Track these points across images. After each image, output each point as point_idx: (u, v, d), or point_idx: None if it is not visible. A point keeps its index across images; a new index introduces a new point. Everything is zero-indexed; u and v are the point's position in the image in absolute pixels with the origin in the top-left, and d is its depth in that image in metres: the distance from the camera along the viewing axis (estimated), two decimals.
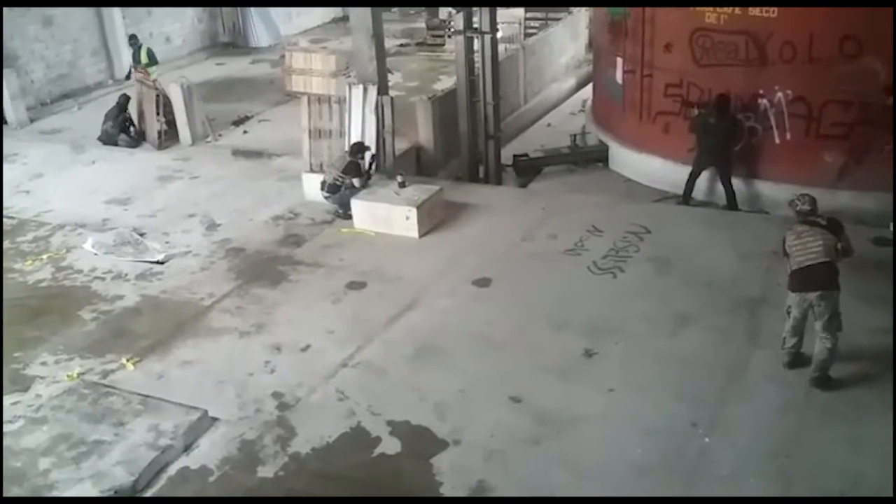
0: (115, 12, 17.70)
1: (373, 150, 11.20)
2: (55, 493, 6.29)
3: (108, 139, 14.06)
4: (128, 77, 16.17)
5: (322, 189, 10.81)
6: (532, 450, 6.65)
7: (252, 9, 20.72)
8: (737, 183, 11.57)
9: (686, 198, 11.77)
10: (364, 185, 10.90)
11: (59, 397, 7.41)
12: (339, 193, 10.71)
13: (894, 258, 8.90)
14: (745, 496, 6.07)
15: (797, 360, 7.33)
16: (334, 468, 6.60)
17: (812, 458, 6.39)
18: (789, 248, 7.15)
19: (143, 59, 15.13)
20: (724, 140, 11.41)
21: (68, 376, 7.79)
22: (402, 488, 6.37)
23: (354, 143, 11.10)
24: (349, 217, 10.68)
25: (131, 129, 14.17)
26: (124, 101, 14.21)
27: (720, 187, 11.63)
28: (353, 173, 10.82)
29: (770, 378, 7.30)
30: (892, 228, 9.96)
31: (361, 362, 7.90)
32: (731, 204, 11.51)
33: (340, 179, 10.70)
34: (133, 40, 15.73)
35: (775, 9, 10.85)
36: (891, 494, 5.95)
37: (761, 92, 11.34)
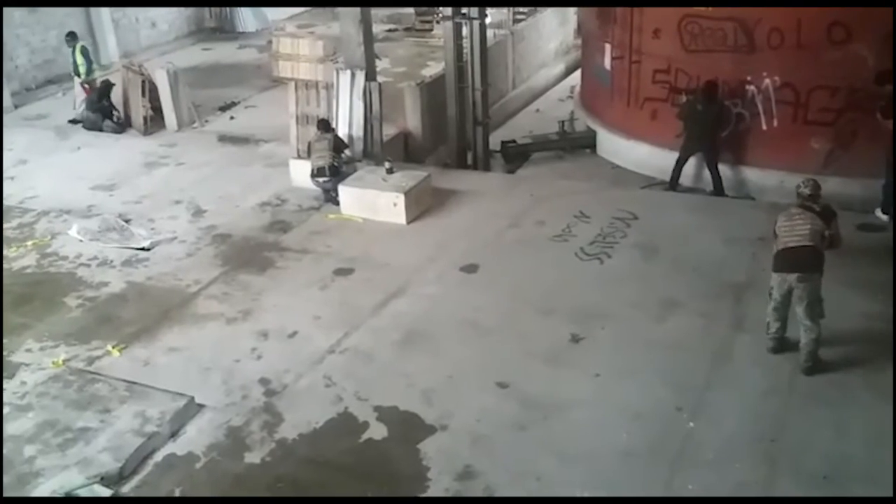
0: None
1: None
2: (41, 480, 6.26)
3: (91, 126, 13.95)
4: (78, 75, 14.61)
5: (322, 175, 10.65)
6: (519, 435, 6.66)
7: None
8: (724, 169, 11.59)
9: (673, 184, 11.80)
10: (351, 154, 11.03)
11: (44, 384, 7.37)
12: (341, 174, 10.67)
13: (894, 245, 8.92)
14: (745, 496, 6.07)
15: (781, 345, 7.36)
16: (321, 454, 6.60)
17: (797, 442, 6.43)
18: (778, 228, 7.23)
19: (79, 59, 14.22)
20: (711, 126, 11.43)
21: (54, 363, 7.76)
22: (390, 473, 6.38)
23: (322, 120, 11.07)
24: (337, 203, 10.65)
25: (115, 114, 14.03)
26: (105, 87, 14.05)
27: (707, 173, 11.66)
28: (344, 146, 10.92)
29: (755, 363, 7.34)
30: (881, 215, 10.03)
31: (349, 348, 7.89)
32: (718, 190, 11.54)
33: (338, 160, 10.68)
34: (70, 38, 14.52)
35: None
36: (886, 494, 5.97)
37: (749, 78, 11.35)
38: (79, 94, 14.56)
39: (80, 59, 14.33)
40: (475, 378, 7.36)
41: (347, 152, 10.96)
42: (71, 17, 17.10)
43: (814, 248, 7.01)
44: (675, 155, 11.72)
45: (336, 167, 10.66)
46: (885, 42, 10.26)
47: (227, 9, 20.71)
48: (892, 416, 6.52)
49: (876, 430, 6.48)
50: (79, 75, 14.44)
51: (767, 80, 11.23)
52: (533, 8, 19.31)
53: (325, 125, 10.94)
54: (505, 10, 18.93)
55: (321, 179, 10.70)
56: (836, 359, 7.27)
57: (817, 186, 7.30)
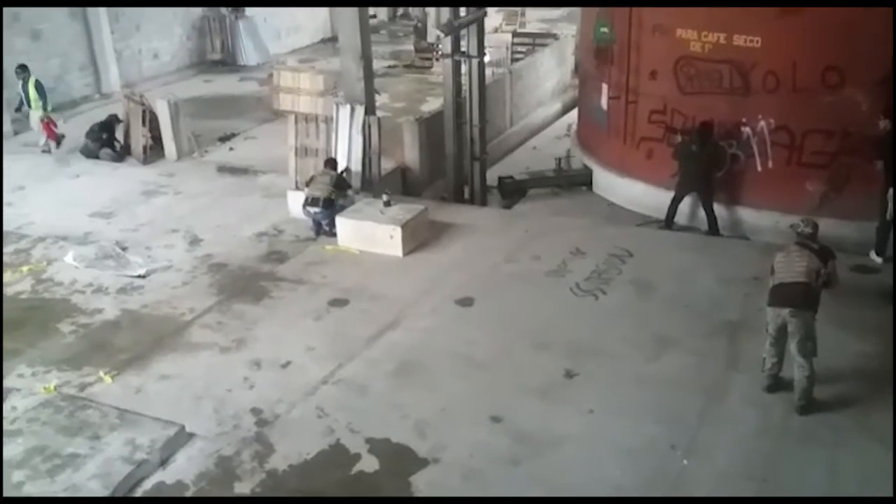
0: (104, 27, 17.76)
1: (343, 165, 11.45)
2: None
3: (88, 153, 14.03)
4: (18, 109, 14.39)
5: (315, 206, 10.63)
6: (511, 470, 6.63)
7: (241, 27, 20.81)
8: (718, 209, 11.67)
9: (668, 222, 11.86)
10: (346, 197, 11.05)
11: (34, 409, 7.31)
12: (332, 209, 10.70)
13: (894, 277, 8.97)
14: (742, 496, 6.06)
15: (776, 383, 7.37)
16: (312, 485, 6.55)
17: (789, 482, 6.41)
18: (776, 264, 7.33)
19: (32, 93, 13.65)
20: (706, 166, 11.52)
21: (45, 389, 7.71)
22: None
23: (330, 159, 11.21)
24: (333, 235, 10.68)
25: (116, 143, 14.11)
26: (111, 120, 14.13)
27: (702, 213, 11.73)
28: (347, 186, 11.02)
29: (749, 402, 7.33)
30: (875, 257, 10.09)
31: (342, 380, 7.87)
32: (713, 229, 11.61)
33: (335, 194, 10.72)
34: (21, 71, 13.89)
35: (759, 38, 11.01)
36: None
37: (744, 120, 11.48)
38: (37, 129, 14.09)
39: (33, 94, 13.81)
40: (468, 411, 7.33)
41: (350, 192, 11.00)
42: (74, 47, 17.31)
43: (807, 286, 7.08)
44: (670, 194, 11.80)
45: (331, 201, 10.68)
46: (879, 87, 10.40)
47: (230, 42, 20.93)
48: (885, 459, 6.51)
49: (868, 472, 6.47)
50: (29, 108, 13.97)
51: (762, 123, 11.35)
52: (531, 47, 19.62)
53: (332, 163, 11.11)
54: (504, 49, 19.24)
55: (313, 210, 10.70)
56: (829, 399, 7.27)
57: (816, 226, 7.42)
